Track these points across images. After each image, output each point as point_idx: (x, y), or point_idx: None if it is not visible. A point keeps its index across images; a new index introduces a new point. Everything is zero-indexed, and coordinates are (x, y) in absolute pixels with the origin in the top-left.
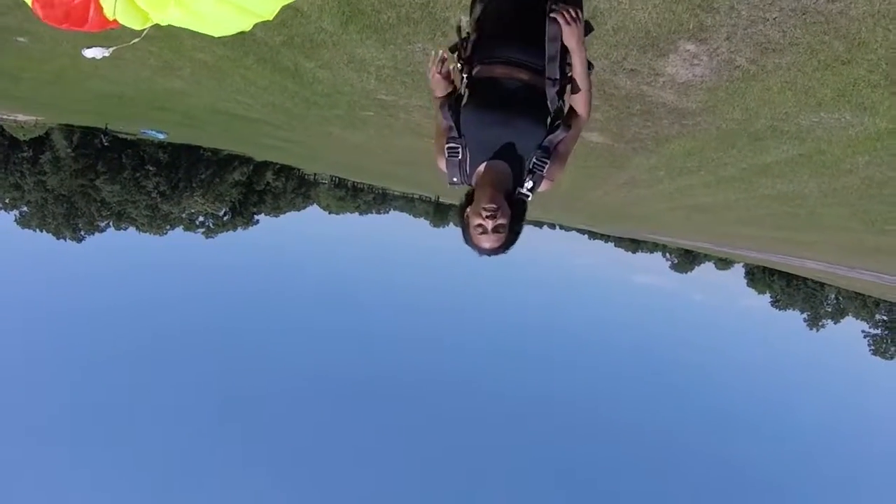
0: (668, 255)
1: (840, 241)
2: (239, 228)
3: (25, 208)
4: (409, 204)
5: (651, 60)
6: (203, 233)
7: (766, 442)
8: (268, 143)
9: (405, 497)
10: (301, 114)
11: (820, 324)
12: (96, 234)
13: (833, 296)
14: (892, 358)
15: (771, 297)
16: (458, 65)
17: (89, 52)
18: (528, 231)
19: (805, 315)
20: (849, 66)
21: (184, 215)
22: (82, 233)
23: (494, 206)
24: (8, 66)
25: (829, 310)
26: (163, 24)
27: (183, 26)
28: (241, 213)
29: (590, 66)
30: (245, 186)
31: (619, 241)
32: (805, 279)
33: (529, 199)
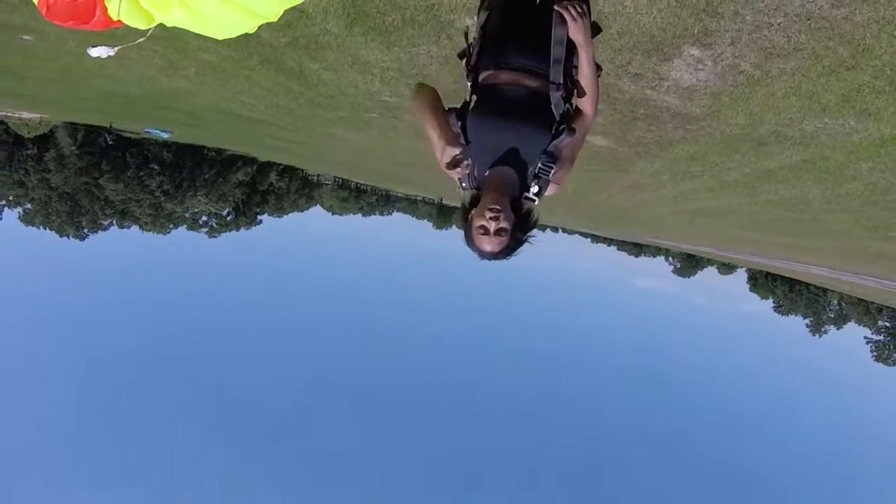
0: (670, 259)
1: (843, 247)
2: (242, 228)
3: (29, 205)
4: (412, 205)
5: (655, 65)
6: (206, 232)
7: (768, 446)
8: (272, 143)
9: (406, 497)
10: (305, 115)
11: (822, 329)
12: (99, 232)
13: (835, 301)
14: (894, 364)
15: (773, 302)
16: (465, 71)
17: (94, 51)
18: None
19: (807, 321)
20: (853, 71)
21: (187, 215)
22: (85, 231)
23: (498, 207)
24: (13, 64)
25: (832, 315)
26: (167, 24)
27: (187, 28)
28: (245, 214)
29: (598, 68)
30: (248, 187)
31: (622, 245)
32: (807, 284)
33: (536, 203)
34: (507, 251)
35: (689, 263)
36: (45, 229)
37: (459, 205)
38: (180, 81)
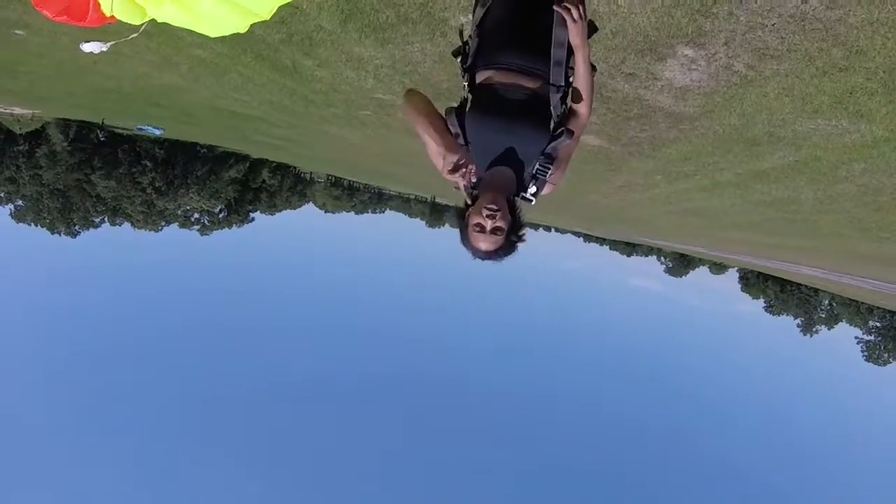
0: (662, 258)
1: (835, 248)
2: (234, 226)
3: (21, 202)
4: (405, 204)
5: (649, 64)
6: (198, 230)
7: (759, 446)
8: (264, 140)
9: (400, 497)
10: (299, 112)
11: (813, 329)
12: (91, 229)
13: (827, 302)
14: (885, 364)
15: (765, 302)
16: (461, 70)
17: (87, 47)
18: (525, 232)
19: (799, 321)
20: (846, 73)
21: (179, 212)
22: (77, 228)
23: (495, 207)
24: (5, 60)
25: (823, 316)
26: (160, 20)
27: (179, 25)
28: (237, 211)
29: (592, 67)
30: (241, 184)
31: (614, 245)
32: (799, 285)
33: (533, 203)
34: (501, 251)
35: (680, 263)
36: (37, 226)
37: (457, 204)
38: (173, 77)
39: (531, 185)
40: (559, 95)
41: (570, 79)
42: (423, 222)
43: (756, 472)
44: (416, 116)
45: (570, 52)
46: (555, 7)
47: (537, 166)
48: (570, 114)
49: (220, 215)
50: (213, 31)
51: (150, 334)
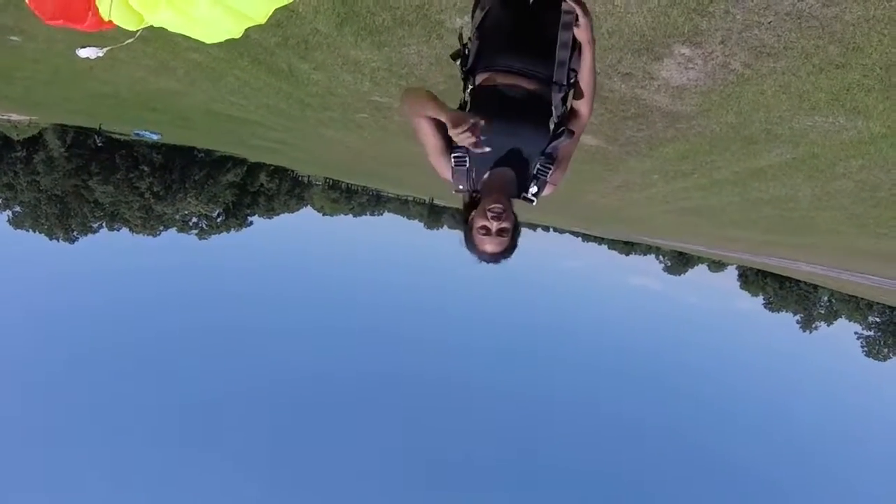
0: (661, 257)
1: (833, 245)
2: (232, 230)
3: (18, 208)
4: (403, 206)
5: (646, 64)
6: (196, 234)
7: (759, 443)
8: (262, 144)
9: (400, 497)
10: (295, 115)
11: (813, 326)
12: (89, 234)
13: (826, 298)
14: (885, 360)
15: (764, 299)
16: (461, 73)
17: (83, 52)
18: (521, 233)
19: (798, 317)
20: (843, 70)
21: (177, 216)
22: (75, 233)
23: (501, 207)
24: (1, 66)
25: (823, 312)
26: (156, 25)
27: (176, 30)
28: (235, 215)
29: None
30: (239, 188)
31: (613, 244)
32: (798, 281)
33: (534, 203)
34: (507, 252)
35: (679, 261)
36: (35, 232)
37: (457, 207)
38: (170, 82)
39: (532, 185)
40: (560, 95)
41: (571, 79)
42: (422, 224)
43: (757, 468)
44: (422, 101)
45: (572, 53)
46: (565, 4)
47: (538, 166)
48: (570, 114)
49: (219, 219)
50: (209, 36)
51: (150, 339)
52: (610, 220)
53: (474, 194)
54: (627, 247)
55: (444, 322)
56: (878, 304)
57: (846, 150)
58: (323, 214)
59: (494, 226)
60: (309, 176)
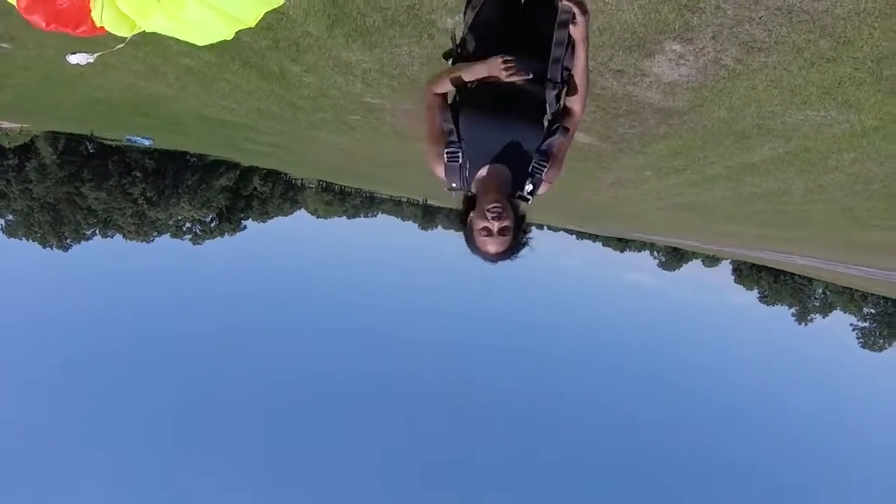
0: (655, 253)
1: (827, 238)
2: (226, 234)
3: (11, 217)
4: (397, 207)
5: (637, 61)
6: (190, 239)
7: (757, 436)
8: (254, 148)
9: (399, 496)
10: (287, 118)
11: (808, 318)
12: (83, 242)
13: (820, 290)
14: (881, 350)
15: (759, 293)
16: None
17: (74, 58)
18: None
19: (793, 310)
20: (834, 63)
21: (171, 222)
22: (69, 241)
23: (499, 206)
24: None
25: (817, 304)
26: (149, 31)
27: (168, 34)
28: (229, 219)
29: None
30: (232, 192)
31: (607, 241)
32: (792, 274)
33: (530, 202)
34: (511, 251)
35: (673, 257)
36: (29, 241)
37: (451, 207)
38: (161, 87)
39: (528, 182)
40: (554, 93)
41: (565, 76)
42: (416, 225)
43: (756, 461)
44: (437, 77)
45: (566, 51)
46: (562, 4)
47: (534, 164)
48: (564, 111)
49: (212, 224)
50: (201, 39)
51: (147, 345)
52: (604, 217)
53: (469, 194)
54: (622, 244)
55: (443, 322)
56: (872, 295)
57: (838, 144)
58: (317, 217)
59: (495, 226)
60: (302, 179)
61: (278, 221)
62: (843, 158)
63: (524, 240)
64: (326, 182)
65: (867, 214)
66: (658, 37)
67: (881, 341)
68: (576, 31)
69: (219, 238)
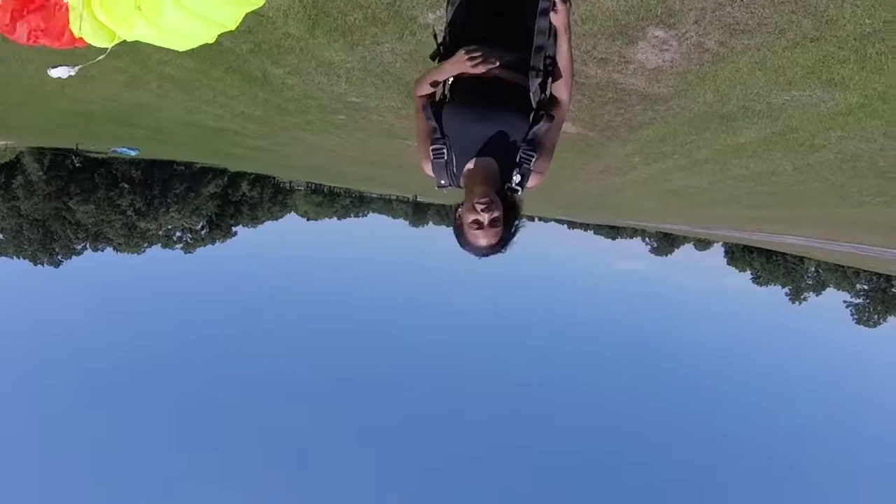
0: (647, 239)
1: (817, 216)
2: (217, 242)
3: (1, 236)
4: (387, 205)
5: (620, 48)
6: (181, 248)
7: (756, 416)
8: (241, 153)
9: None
10: (272, 121)
11: (802, 297)
12: (73, 257)
13: (813, 269)
14: (875, 326)
15: (751, 274)
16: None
17: (55, 72)
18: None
19: (787, 289)
20: (818, 43)
21: (161, 232)
22: (59, 257)
23: (487, 198)
24: None
25: (810, 283)
26: (129, 40)
27: (148, 41)
28: (219, 226)
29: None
30: (221, 198)
31: (598, 229)
32: (784, 254)
33: (519, 193)
34: (502, 243)
35: (665, 242)
36: (19, 259)
37: (441, 203)
38: (144, 96)
39: (515, 174)
40: (538, 81)
41: (548, 64)
42: (407, 222)
43: (755, 442)
44: (419, 81)
45: (548, 39)
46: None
47: (521, 154)
48: (551, 101)
49: (203, 232)
50: (181, 44)
51: (145, 356)
52: (594, 206)
53: (459, 188)
54: (613, 231)
55: (437, 316)
56: (865, 271)
57: (825, 123)
58: (307, 220)
59: (485, 217)
60: (291, 181)
61: (269, 226)
62: (830, 137)
63: (514, 231)
64: (315, 184)
65: (856, 191)
66: (640, 23)
67: (875, 317)
68: (557, 20)
69: (210, 245)
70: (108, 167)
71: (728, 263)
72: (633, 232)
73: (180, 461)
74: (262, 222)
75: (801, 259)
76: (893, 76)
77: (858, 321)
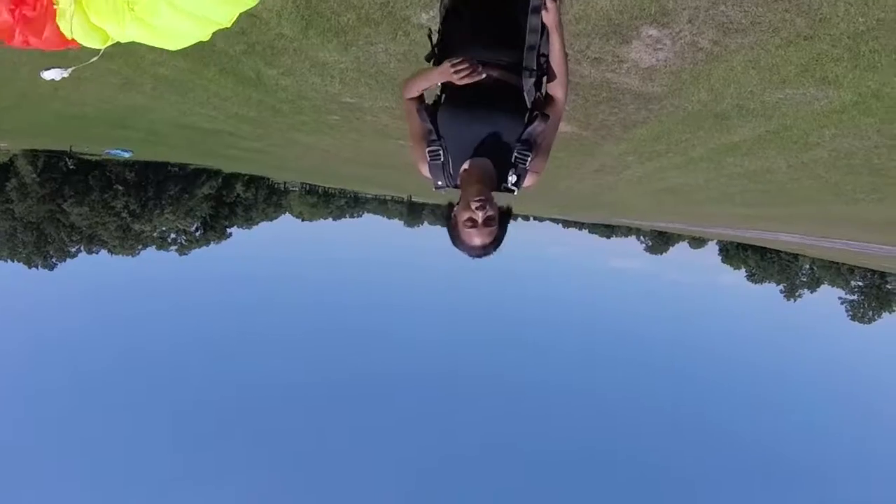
0: (641, 237)
1: (811, 213)
2: (212, 243)
3: None
4: (382, 206)
5: (614, 48)
6: (176, 250)
7: (752, 413)
8: (235, 154)
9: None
10: (267, 122)
11: (797, 294)
12: (68, 259)
13: (807, 266)
14: (870, 322)
15: (746, 271)
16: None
17: (48, 74)
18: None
19: (781, 287)
20: (811, 41)
21: (155, 234)
22: (54, 260)
23: (482, 197)
24: None
25: (805, 280)
26: (123, 41)
27: (142, 42)
28: (214, 228)
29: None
30: (215, 200)
31: (593, 228)
32: (778, 252)
33: (515, 193)
34: (496, 242)
35: (660, 240)
36: (13, 262)
37: (436, 203)
38: (137, 98)
39: (511, 174)
40: (532, 80)
41: (543, 63)
42: (402, 222)
43: (750, 440)
44: (407, 84)
45: (541, 38)
46: None
47: (516, 154)
48: (546, 100)
49: (197, 233)
50: (175, 44)
51: (141, 358)
52: (589, 205)
53: (456, 188)
54: (608, 230)
55: (433, 316)
56: (859, 268)
57: (818, 121)
58: (302, 220)
59: (480, 216)
60: (285, 182)
61: (264, 227)
62: (824, 134)
63: (503, 232)
64: (310, 184)
65: (850, 189)
66: (634, 22)
67: (870, 313)
68: (548, 18)
69: (205, 247)
70: (102, 169)
71: (723, 261)
72: (627, 230)
73: (176, 462)
74: (257, 223)
75: (796, 256)
76: (887, 74)
77: (853, 318)
